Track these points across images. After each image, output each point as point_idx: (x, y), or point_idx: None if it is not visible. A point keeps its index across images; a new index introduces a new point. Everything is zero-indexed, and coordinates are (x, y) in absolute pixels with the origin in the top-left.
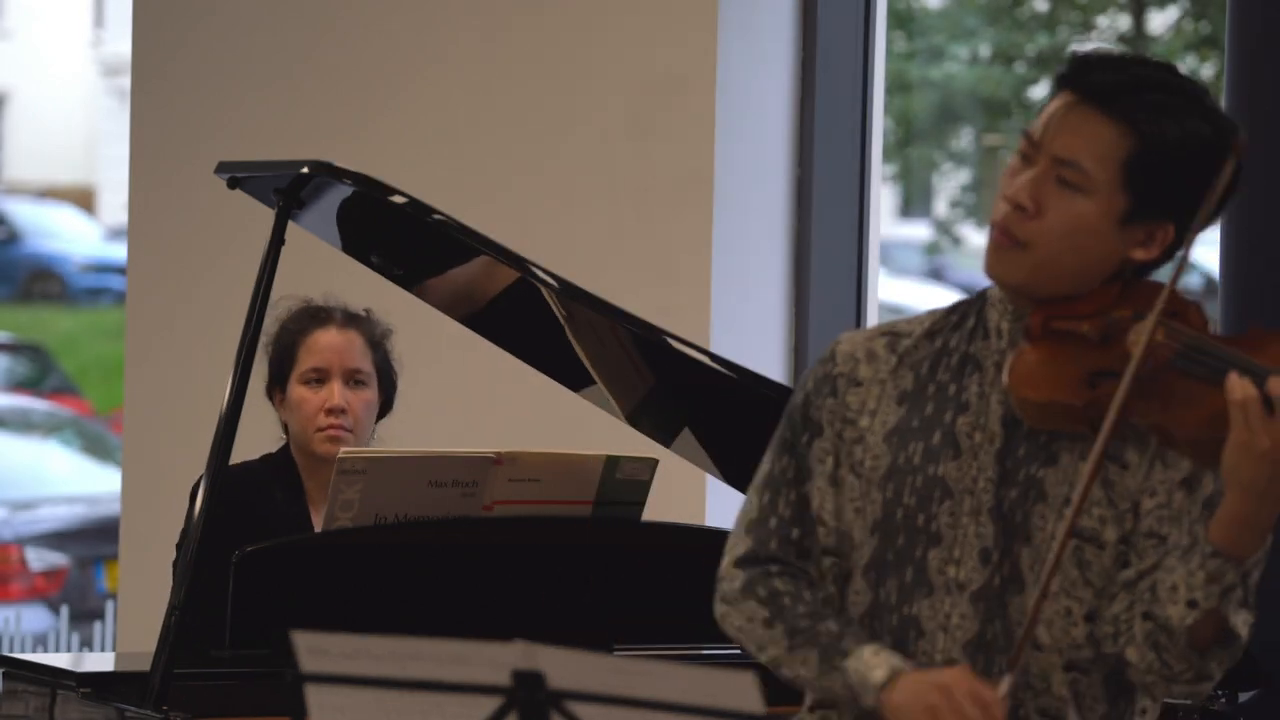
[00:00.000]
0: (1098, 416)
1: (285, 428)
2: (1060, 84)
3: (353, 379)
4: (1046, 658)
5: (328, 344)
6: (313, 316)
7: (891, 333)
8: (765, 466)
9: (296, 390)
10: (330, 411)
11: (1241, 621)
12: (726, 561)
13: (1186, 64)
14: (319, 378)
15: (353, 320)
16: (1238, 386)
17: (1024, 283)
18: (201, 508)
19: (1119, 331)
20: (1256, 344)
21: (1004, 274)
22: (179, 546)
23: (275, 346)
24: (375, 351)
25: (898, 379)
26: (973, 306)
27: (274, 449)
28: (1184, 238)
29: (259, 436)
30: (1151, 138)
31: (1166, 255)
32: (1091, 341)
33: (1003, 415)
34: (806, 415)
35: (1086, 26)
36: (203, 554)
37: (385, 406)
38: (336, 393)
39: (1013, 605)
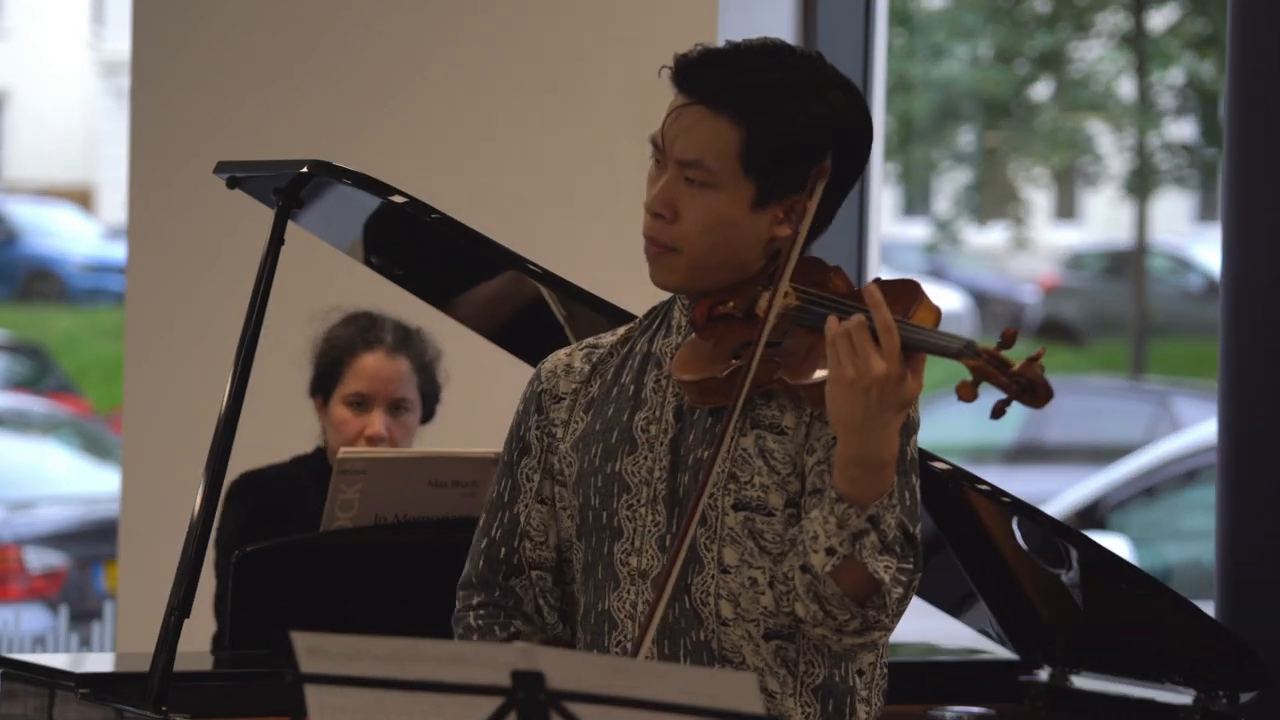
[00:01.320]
0: (740, 384)
1: (324, 430)
2: (673, 85)
3: (396, 406)
4: (735, 630)
5: (375, 370)
6: (363, 335)
7: (591, 345)
8: (489, 490)
9: (339, 409)
10: (370, 439)
11: (884, 569)
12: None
13: (1186, 63)
14: (362, 402)
15: (403, 344)
16: (832, 325)
17: (683, 284)
18: (201, 507)
19: (756, 304)
20: (879, 296)
21: (664, 280)
22: (216, 545)
23: (321, 358)
24: (421, 375)
25: (589, 388)
26: (663, 308)
27: (302, 450)
28: (824, 205)
29: (262, 435)
30: (757, 125)
31: (815, 228)
32: (737, 319)
33: (676, 406)
34: (518, 435)
35: (1086, 26)
36: (201, 554)
37: (425, 418)
38: (378, 422)
39: (695, 585)
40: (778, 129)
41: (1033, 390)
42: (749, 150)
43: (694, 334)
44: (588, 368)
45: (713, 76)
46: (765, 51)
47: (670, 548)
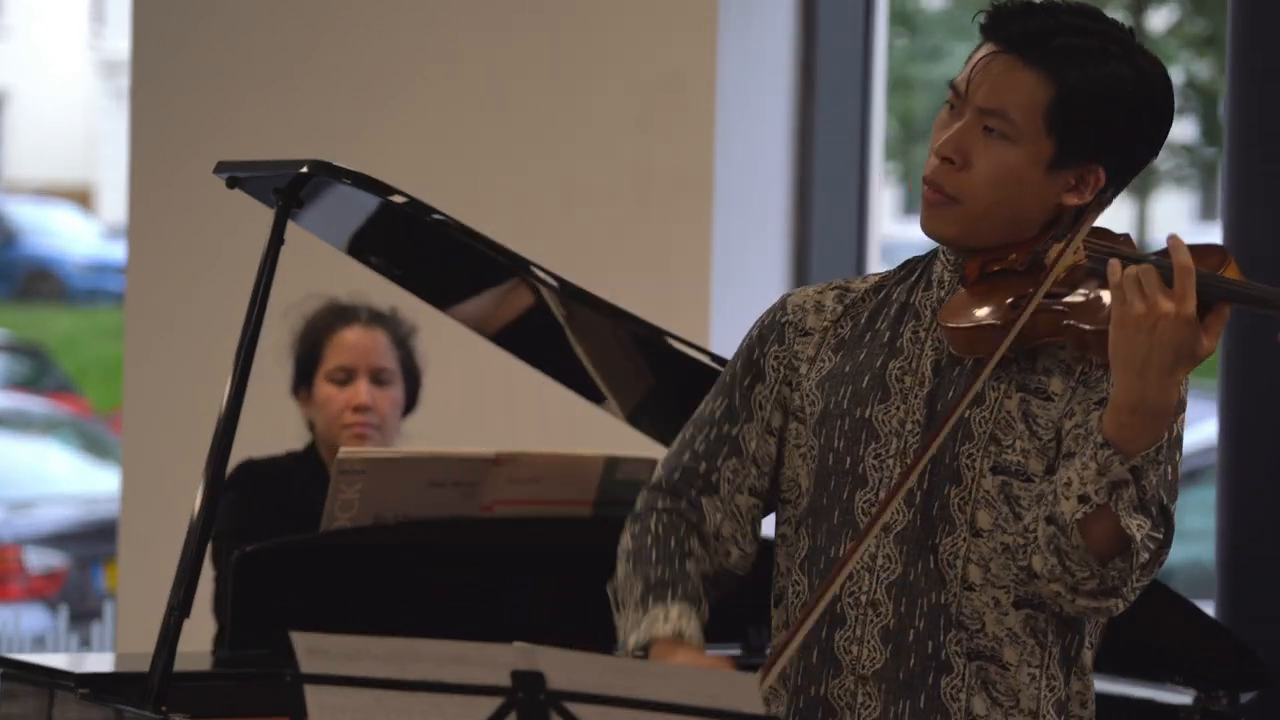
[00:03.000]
0: (1012, 325)
1: (310, 426)
2: (982, 34)
3: (378, 378)
4: (980, 596)
5: (354, 343)
6: (339, 315)
7: (842, 287)
8: (701, 407)
9: (323, 388)
10: (357, 409)
11: (1136, 527)
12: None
13: (1186, 63)
14: (345, 376)
15: (378, 319)
16: (1115, 268)
17: (958, 235)
18: (201, 507)
19: (1043, 257)
20: (1180, 240)
21: (938, 229)
22: (223, 534)
23: (301, 344)
24: (400, 350)
25: (838, 328)
26: (922, 261)
27: (294, 447)
28: (1115, 180)
29: (261, 434)
30: (1070, 83)
31: (1102, 199)
32: (1019, 271)
33: (934, 360)
34: (751, 360)
35: None
36: (201, 554)
37: (410, 403)
38: (363, 391)
39: (944, 546)
40: (1088, 89)
41: None
42: (1055, 108)
43: (962, 289)
44: (840, 308)
45: (1030, 28)
46: (1083, 12)
47: (969, 518)
